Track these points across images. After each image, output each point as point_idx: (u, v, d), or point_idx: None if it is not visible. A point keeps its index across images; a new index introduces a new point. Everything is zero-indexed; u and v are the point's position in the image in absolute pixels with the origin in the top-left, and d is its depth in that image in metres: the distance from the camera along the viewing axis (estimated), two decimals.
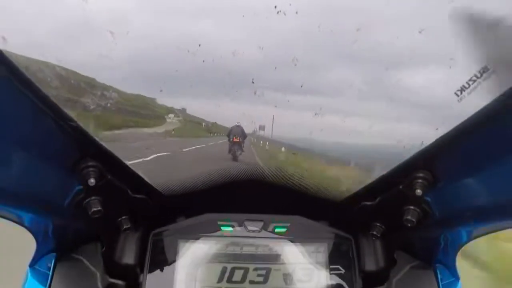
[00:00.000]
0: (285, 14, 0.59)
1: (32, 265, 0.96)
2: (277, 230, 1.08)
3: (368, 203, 0.99)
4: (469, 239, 0.92)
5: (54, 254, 0.97)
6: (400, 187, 0.87)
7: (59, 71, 0.60)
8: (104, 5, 0.63)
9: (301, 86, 0.74)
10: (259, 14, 0.62)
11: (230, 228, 1.07)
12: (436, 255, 1.05)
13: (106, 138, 0.78)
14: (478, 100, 0.56)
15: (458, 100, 0.57)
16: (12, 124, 0.61)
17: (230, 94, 0.78)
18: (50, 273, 0.95)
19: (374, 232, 1.05)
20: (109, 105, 0.69)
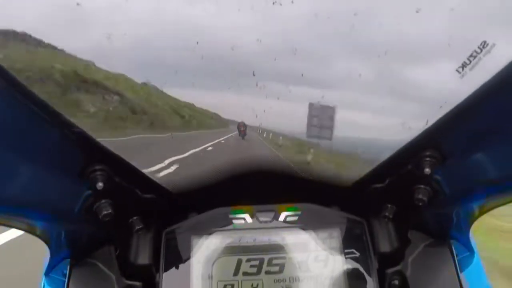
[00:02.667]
0: (281, 4, 0.59)
1: (47, 273, 0.96)
2: (288, 218, 1.08)
3: (378, 185, 0.99)
4: (481, 212, 0.92)
5: (68, 260, 0.98)
6: (409, 167, 0.87)
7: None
8: None
9: (302, 75, 0.74)
10: (254, 6, 0.62)
11: (242, 221, 1.08)
12: (450, 231, 1.05)
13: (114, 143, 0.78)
14: (481, 75, 0.55)
15: (460, 77, 0.57)
16: (16, 135, 0.62)
17: (232, 87, 0.78)
18: (66, 280, 0.96)
19: (386, 214, 1.06)
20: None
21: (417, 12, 0.57)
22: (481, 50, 0.53)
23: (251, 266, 1.03)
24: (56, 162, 0.73)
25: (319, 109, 1.07)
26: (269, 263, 1.03)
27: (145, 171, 0.93)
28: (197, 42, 0.68)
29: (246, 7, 0.61)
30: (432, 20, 0.59)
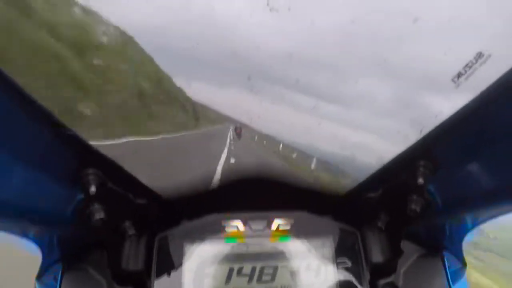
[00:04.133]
0: (277, 11, 0.59)
1: (38, 277, 0.96)
2: (281, 227, 1.08)
3: (372, 194, 0.99)
4: (475, 225, 0.92)
5: (60, 265, 0.97)
6: (403, 177, 0.87)
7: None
8: None
9: (297, 81, 0.74)
10: (255, 10, 0.61)
11: (235, 228, 1.07)
12: (442, 243, 1.05)
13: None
14: (475, 85, 0.56)
15: (455, 87, 0.57)
16: (10, 137, 0.61)
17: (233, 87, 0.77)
18: (58, 285, 0.95)
19: (379, 224, 1.06)
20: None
21: (414, 22, 0.57)
22: (477, 61, 0.53)
23: (243, 274, 1.02)
24: (49, 165, 0.72)
25: None
26: (261, 271, 1.03)
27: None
28: (197, 44, 0.67)
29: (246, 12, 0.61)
30: (429, 30, 0.59)
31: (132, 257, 1.03)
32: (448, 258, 1.04)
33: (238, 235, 1.07)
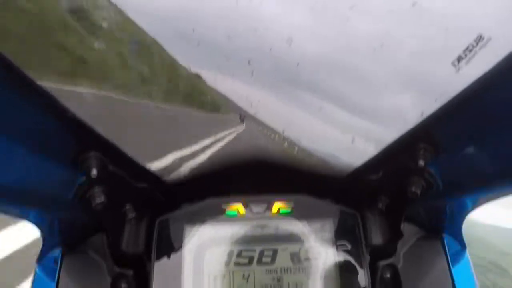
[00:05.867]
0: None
1: (39, 260, 0.96)
2: (281, 210, 1.08)
3: (372, 177, 0.99)
4: (474, 206, 0.92)
5: (60, 248, 0.98)
6: (403, 159, 0.87)
7: None
8: None
9: (298, 64, 0.74)
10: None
11: (235, 211, 1.08)
12: (442, 225, 1.05)
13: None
14: (476, 68, 0.55)
15: (456, 71, 0.57)
16: (10, 120, 0.61)
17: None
18: (58, 268, 0.95)
19: (379, 206, 1.06)
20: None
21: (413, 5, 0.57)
22: (477, 44, 0.52)
23: (243, 256, 1.03)
24: (50, 149, 0.72)
25: None
26: (261, 254, 1.03)
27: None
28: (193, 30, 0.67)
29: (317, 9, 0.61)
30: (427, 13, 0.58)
31: (132, 240, 1.03)
32: (448, 240, 1.05)
33: (238, 218, 1.07)
